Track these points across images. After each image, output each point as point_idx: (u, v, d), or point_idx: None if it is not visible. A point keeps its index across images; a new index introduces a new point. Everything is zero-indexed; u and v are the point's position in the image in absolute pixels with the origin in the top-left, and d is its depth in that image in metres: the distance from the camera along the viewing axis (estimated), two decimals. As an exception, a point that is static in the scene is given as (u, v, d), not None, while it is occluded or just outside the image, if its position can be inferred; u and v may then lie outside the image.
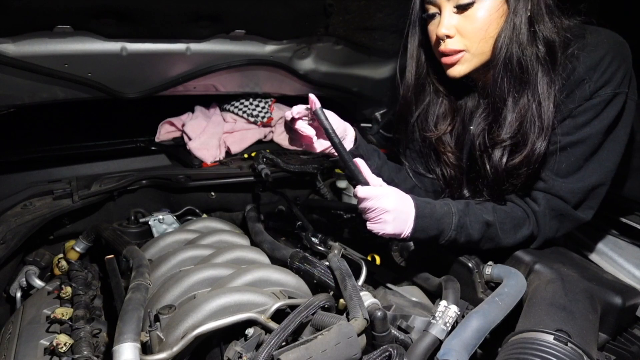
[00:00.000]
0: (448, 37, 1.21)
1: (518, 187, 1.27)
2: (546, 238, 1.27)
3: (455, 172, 1.43)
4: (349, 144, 1.34)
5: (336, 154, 1.17)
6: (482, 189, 1.34)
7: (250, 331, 1.06)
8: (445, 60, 1.25)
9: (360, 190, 1.11)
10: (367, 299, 1.10)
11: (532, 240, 1.28)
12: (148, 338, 1.01)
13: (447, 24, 1.19)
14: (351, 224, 1.85)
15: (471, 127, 1.34)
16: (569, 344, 0.93)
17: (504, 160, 1.23)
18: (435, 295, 1.26)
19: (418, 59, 1.36)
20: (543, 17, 1.17)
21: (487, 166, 1.28)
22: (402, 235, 1.13)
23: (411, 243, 1.43)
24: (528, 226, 1.24)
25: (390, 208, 1.10)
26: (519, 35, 1.16)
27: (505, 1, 1.18)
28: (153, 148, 2.16)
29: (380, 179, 1.17)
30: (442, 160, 1.44)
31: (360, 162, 1.17)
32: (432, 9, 1.23)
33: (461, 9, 1.17)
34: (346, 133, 1.34)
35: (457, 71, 1.25)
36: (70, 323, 1.15)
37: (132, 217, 1.71)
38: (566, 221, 1.26)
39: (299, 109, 1.21)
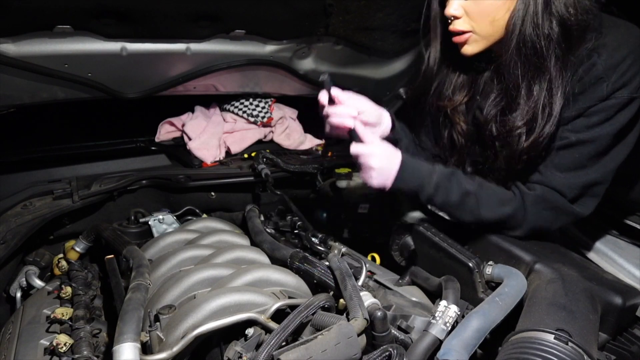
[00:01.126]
0: (455, 17, 1.23)
1: (517, 172, 1.28)
2: (536, 227, 1.27)
3: (465, 141, 1.45)
4: (385, 130, 1.41)
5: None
6: (484, 168, 1.37)
7: (250, 331, 1.06)
8: (454, 39, 1.28)
9: (352, 148, 1.25)
10: (367, 299, 1.10)
11: (518, 225, 1.27)
12: (148, 338, 1.01)
13: (455, 5, 1.22)
14: (351, 224, 1.85)
15: (483, 112, 1.33)
16: (570, 344, 0.93)
17: (520, 147, 1.23)
18: (435, 295, 1.26)
19: (437, 34, 1.37)
20: None
21: (502, 151, 1.29)
22: (386, 188, 1.26)
23: (411, 243, 1.43)
24: (512, 205, 1.25)
25: (374, 165, 1.23)
26: (533, 16, 1.14)
27: None
28: (153, 148, 2.16)
29: (375, 137, 1.28)
30: (455, 129, 1.45)
31: (358, 124, 1.26)
32: None
33: None
34: (382, 119, 1.40)
35: (467, 50, 1.28)
36: (70, 323, 1.15)
37: (132, 217, 1.71)
38: (562, 214, 1.26)
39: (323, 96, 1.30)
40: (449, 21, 1.25)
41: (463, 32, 1.24)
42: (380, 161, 1.24)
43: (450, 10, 1.22)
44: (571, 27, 1.14)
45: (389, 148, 1.26)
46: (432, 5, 1.33)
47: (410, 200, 1.46)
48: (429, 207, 1.47)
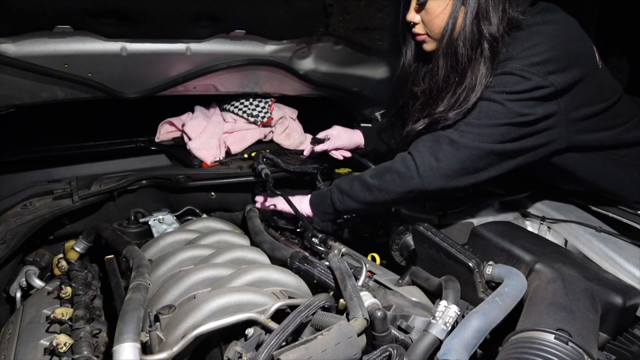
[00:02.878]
0: (414, 22, 1.50)
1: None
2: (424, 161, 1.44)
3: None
4: (358, 146, 1.95)
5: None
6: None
7: (250, 331, 1.06)
8: (416, 38, 1.55)
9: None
10: (367, 299, 1.10)
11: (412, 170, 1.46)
12: (148, 338, 1.01)
13: (411, 14, 1.49)
14: (351, 224, 1.85)
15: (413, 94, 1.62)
16: (570, 344, 0.93)
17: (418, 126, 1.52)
18: (435, 295, 1.26)
19: (408, 35, 1.61)
20: (489, 14, 1.35)
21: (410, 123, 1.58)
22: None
23: (411, 243, 1.43)
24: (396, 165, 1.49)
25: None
26: (461, 31, 1.38)
27: None
28: (153, 148, 2.16)
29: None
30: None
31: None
32: None
33: (419, 4, 1.45)
34: (354, 140, 1.93)
35: (426, 48, 1.54)
36: (70, 323, 1.15)
37: (132, 217, 1.71)
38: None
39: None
40: (410, 25, 1.52)
41: (420, 35, 1.51)
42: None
43: (409, 16, 1.50)
44: (497, 41, 1.35)
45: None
46: (404, 10, 1.55)
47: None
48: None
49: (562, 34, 1.36)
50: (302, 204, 1.68)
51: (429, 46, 1.53)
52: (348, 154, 1.95)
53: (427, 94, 1.54)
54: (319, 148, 1.91)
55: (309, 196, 1.69)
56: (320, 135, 1.94)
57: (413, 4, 1.48)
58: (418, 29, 1.51)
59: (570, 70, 1.33)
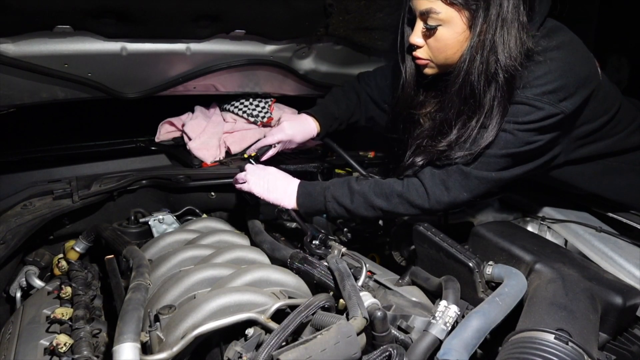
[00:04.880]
0: (417, 46, 1.38)
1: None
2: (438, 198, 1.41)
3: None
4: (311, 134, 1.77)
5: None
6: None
7: (250, 331, 1.06)
8: (417, 61, 1.44)
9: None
10: (367, 299, 1.10)
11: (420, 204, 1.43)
12: (148, 338, 1.01)
13: (416, 37, 1.37)
14: (351, 224, 1.85)
15: (418, 127, 1.51)
16: (570, 344, 0.93)
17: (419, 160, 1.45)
18: (435, 295, 1.26)
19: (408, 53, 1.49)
20: (508, 46, 1.25)
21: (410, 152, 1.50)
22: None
23: (411, 243, 1.42)
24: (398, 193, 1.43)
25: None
26: (477, 65, 1.28)
27: (468, 28, 1.26)
28: (153, 148, 2.16)
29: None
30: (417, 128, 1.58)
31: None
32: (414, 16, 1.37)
33: (428, 29, 1.32)
34: (307, 134, 1.76)
35: (427, 72, 1.44)
36: (70, 323, 1.15)
37: (132, 217, 1.71)
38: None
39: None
40: (412, 47, 1.40)
41: (422, 59, 1.40)
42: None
43: (413, 39, 1.37)
44: (515, 73, 1.26)
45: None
46: (404, 27, 1.44)
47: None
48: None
49: (571, 58, 1.31)
50: (287, 193, 1.55)
51: (431, 71, 1.44)
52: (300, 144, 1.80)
53: (432, 125, 1.46)
54: (268, 155, 1.74)
55: (296, 188, 1.55)
56: (268, 141, 1.74)
57: (419, 26, 1.35)
58: (420, 53, 1.40)
59: (579, 93, 1.30)
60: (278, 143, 1.71)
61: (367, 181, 1.50)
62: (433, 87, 1.51)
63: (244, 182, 1.56)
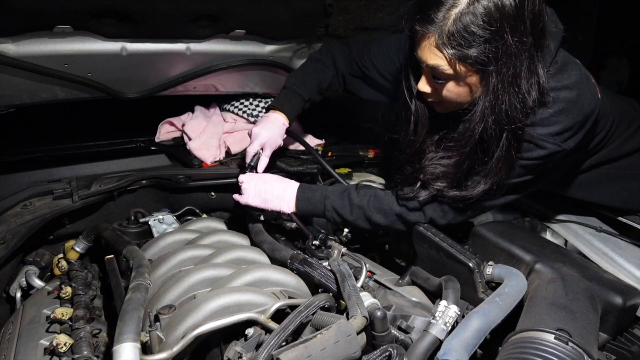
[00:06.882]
0: (427, 93, 1.31)
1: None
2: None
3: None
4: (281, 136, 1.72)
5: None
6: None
7: (250, 331, 1.06)
8: (426, 100, 1.36)
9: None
10: (367, 299, 1.10)
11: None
12: (148, 338, 1.01)
13: (424, 86, 1.29)
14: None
15: (427, 160, 1.42)
16: (570, 344, 0.93)
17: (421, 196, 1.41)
18: (435, 295, 1.26)
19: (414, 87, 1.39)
20: (520, 100, 1.18)
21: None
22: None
23: (411, 243, 1.42)
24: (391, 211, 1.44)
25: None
26: (491, 124, 1.21)
27: (480, 82, 1.19)
28: (153, 148, 2.16)
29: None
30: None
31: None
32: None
33: (437, 82, 1.25)
34: (281, 130, 1.70)
35: (437, 109, 1.37)
36: (70, 323, 1.15)
37: (132, 217, 1.71)
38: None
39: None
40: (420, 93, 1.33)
41: (432, 101, 1.33)
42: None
43: (421, 87, 1.30)
44: (524, 126, 1.22)
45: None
46: (412, 55, 1.29)
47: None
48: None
49: (579, 98, 1.26)
50: (285, 198, 1.54)
51: (443, 109, 1.36)
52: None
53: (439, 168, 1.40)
54: (263, 163, 1.69)
55: (294, 191, 1.54)
56: (252, 152, 1.68)
57: (427, 74, 1.27)
58: (429, 97, 1.33)
59: (583, 130, 1.29)
60: (261, 149, 1.66)
61: (366, 194, 1.49)
62: (442, 117, 1.43)
63: (242, 195, 1.55)
